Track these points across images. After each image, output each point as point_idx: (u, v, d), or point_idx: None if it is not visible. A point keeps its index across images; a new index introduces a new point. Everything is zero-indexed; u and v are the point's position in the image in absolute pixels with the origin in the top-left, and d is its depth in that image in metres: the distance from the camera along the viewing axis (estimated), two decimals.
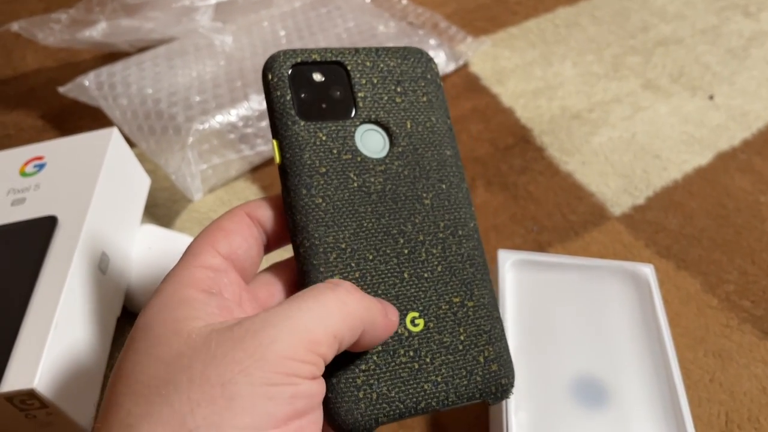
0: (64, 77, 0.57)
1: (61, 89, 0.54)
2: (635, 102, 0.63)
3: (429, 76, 0.30)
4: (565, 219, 0.52)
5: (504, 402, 0.36)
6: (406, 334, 0.25)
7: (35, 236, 0.39)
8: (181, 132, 0.49)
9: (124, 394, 0.20)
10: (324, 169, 0.26)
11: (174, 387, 0.20)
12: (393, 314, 0.25)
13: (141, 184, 0.47)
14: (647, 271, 0.42)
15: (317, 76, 0.27)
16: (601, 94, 0.64)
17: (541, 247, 0.50)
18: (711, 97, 0.63)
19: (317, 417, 0.22)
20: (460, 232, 0.28)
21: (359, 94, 0.28)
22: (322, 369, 0.22)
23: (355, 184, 0.26)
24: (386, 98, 0.28)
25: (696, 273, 0.49)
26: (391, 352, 0.25)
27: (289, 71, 0.27)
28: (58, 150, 0.44)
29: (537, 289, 0.41)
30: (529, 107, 0.62)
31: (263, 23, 0.60)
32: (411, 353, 0.25)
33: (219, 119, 0.50)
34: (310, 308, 0.22)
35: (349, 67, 0.28)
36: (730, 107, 0.62)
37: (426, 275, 0.26)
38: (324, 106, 0.27)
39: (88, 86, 0.53)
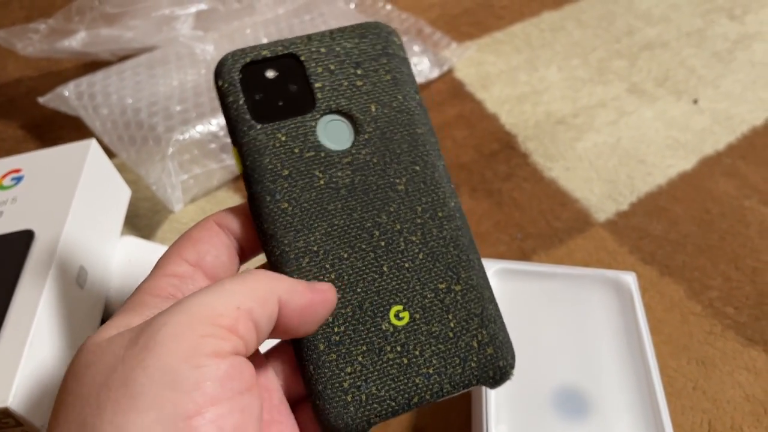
0: (45, 87, 0.56)
1: (41, 99, 0.54)
2: (620, 107, 0.63)
3: (391, 51, 0.28)
4: (549, 226, 0.52)
5: (485, 415, 0.35)
6: (391, 329, 0.25)
7: (11, 251, 0.38)
8: (161, 142, 0.48)
9: (54, 410, 0.21)
10: (287, 172, 0.25)
11: (86, 396, 0.19)
12: (323, 287, 0.24)
13: (121, 195, 0.47)
14: (629, 279, 0.42)
15: (270, 73, 0.26)
16: (586, 99, 0.63)
17: (525, 255, 0.50)
18: (696, 101, 0.63)
19: (245, 404, 0.21)
20: (439, 214, 0.26)
21: (316, 85, 0.26)
22: (236, 345, 0.21)
23: (322, 182, 0.25)
24: (346, 84, 0.27)
25: (680, 279, 0.48)
26: (377, 351, 0.24)
27: (239, 74, 0.26)
28: (36, 162, 0.44)
29: (519, 298, 0.41)
30: (513, 113, 0.62)
31: (246, 30, 0.60)
32: (398, 348, 0.24)
33: (200, 129, 0.50)
34: (206, 291, 0.21)
35: (302, 58, 0.26)
36: (715, 111, 0.62)
37: (407, 265, 0.25)
38: (281, 103, 0.26)
39: (68, 96, 0.52)
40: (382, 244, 0.25)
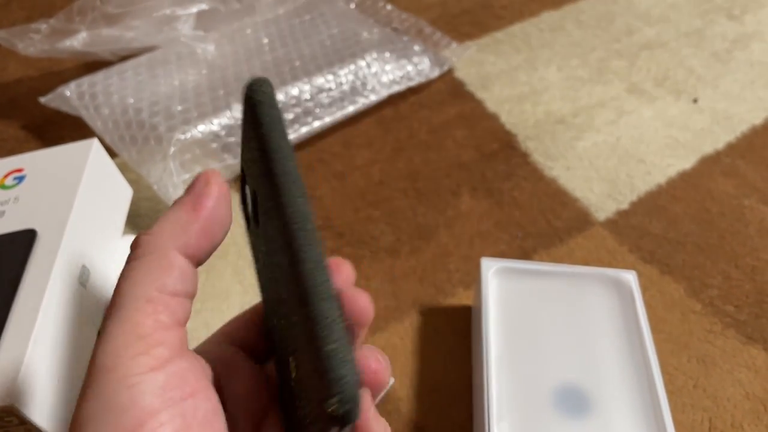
0: (46, 87, 0.56)
1: (43, 99, 0.54)
2: (620, 106, 0.63)
3: (257, 115, 0.23)
4: (549, 225, 0.52)
5: (486, 413, 0.36)
6: (291, 381, 0.23)
7: (13, 250, 0.38)
8: (163, 142, 0.49)
9: None
10: (257, 254, 0.27)
11: None
12: (204, 194, 0.23)
13: (123, 194, 0.47)
14: (630, 277, 0.42)
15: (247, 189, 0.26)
16: (586, 99, 0.64)
17: (525, 254, 0.50)
18: (695, 101, 0.64)
19: (187, 409, 0.20)
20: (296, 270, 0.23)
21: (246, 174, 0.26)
22: (171, 337, 0.21)
23: (260, 259, 0.26)
24: (251, 167, 0.25)
25: (680, 278, 0.49)
26: (288, 404, 0.24)
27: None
28: (38, 162, 0.44)
29: (520, 297, 0.41)
30: (513, 112, 0.62)
31: (246, 31, 0.60)
32: (296, 401, 0.23)
33: (201, 128, 0.50)
34: (118, 306, 0.22)
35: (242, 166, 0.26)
36: (714, 110, 0.63)
37: (293, 321, 0.23)
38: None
39: (70, 96, 0.53)
40: (284, 310, 0.24)
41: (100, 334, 0.21)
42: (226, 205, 0.24)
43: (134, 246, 0.23)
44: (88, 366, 0.21)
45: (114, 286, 0.42)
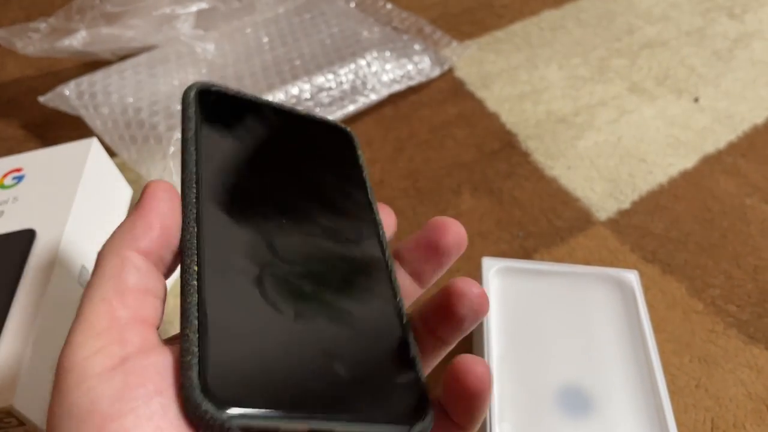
0: (45, 86, 0.56)
1: (42, 99, 0.54)
2: (621, 105, 0.63)
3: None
4: (550, 224, 0.52)
5: (488, 413, 0.35)
6: None
7: (12, 250, 0.38)
8: (162, 141, 0.48)
9: None
10: None
11: None
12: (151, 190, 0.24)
13: (122, 194, 0.47)
14: (632, 277, 0.42)
15: None
16: (587, 98, 0.63)
17: (526, 253, 0.50)
18: (696, 100, 0.63)
19: (155, 409, 0.19)
20: None
21: None
22: (129, 339, 0.20)
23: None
24: None
25: (682, 277, 0.48)
26: None
27: None
28: (37, 161, 0.44)
29: (521, 297, 0.41)
30: (514, 111, 0.62)
31: (246, 30, 0.60)
32: None
33: None
34: (81, 309, 0.21)
35: None
36: (716, 110, 0.62)
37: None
38: None
39: (69, 95, 0.52)
40: None
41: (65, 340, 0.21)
42: (173, 201, 0.24)
43: (96, 261, 0.22)
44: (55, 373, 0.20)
45: None
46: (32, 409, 0.33)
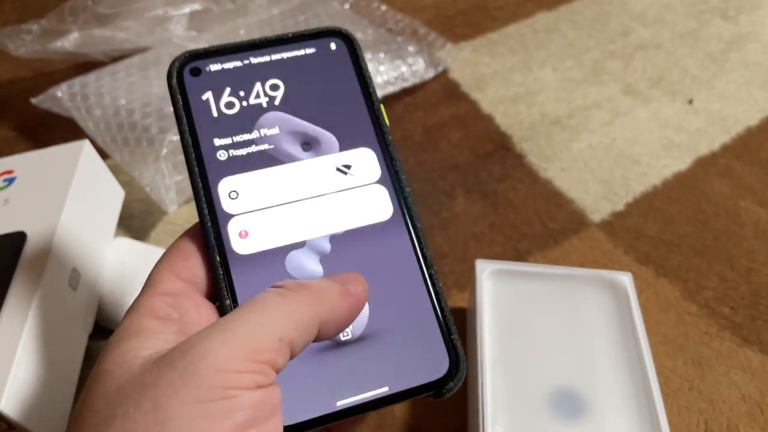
0: (38, 88, 0.56)
1: (34, 100, 0.54)
2: (615, 107, 0.63)
3: None
4: (544, 227, 0.52)
5: (481, 416, 0.35)
6: None
7: (3, 252, 0.38)
8: (155, 143, 0.48)
9: (71, 427, 0.20)
10: None
11: (112, 421, 0.19)
12: (356, 286, 0.23)
13: (114, 196, 0.47)
14: (625, 279, 0.42)
15: None
16: (581, 100, 0.63)
17: (520, 256, 0.50)
18: (690, 102, 0.63)
19: (271, 427, 0.21)
20: None
21: None
22: (272, 376, 0.21)
23: None
24: None
25: (675, 279, 0.48)
26: None
27: None
28: (29, 163, 0.44)
29: (515, 299, 0.41)
30: (508, 113, 0.62)
31: (240, 31, 0.59)
32: None
33: None
34: (249, 317, 0.21)
35: None
36: (710, 111, 0.62)
37: None
38: None
39: (61, 97, 0.52)
40: None
41: (141, 310, 0.22)
42: (363, 308, 0.24)
43: (289, 287, 0.22)
44: (173, 358, 0.20)
45: (103, 289, 0.41)
46: (22, 412, 0.33)
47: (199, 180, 0.25)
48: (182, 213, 0.51)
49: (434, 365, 0.24)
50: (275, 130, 0.26)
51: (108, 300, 0.43)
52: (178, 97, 0.26)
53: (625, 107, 0.63)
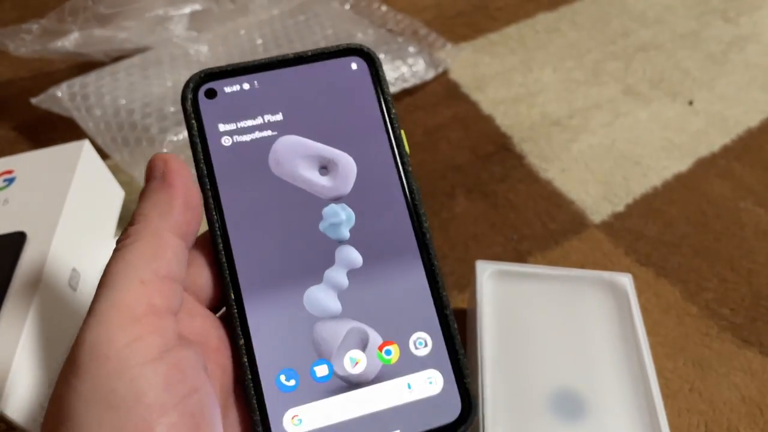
0: (38, 87, 0.56)
1: (34, 100, 0.54)
2: (615, 108, 0.63)
3: None
4: (544, 227, 0.52)
5: (481, 417, 0.35)
6: None
7: (2, 253, 0.38)
8: (155, 143, 0.48)
9: None
10: None
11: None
12: (156, 169, 0.23)
13: (114, 196, 0.47)
14: (625, 280, 0.41)
15: None
16: (582, 101, 0.63)
17: (520, 256, 0.50)
18: (691, 103, 0.63)
19: (195, 407, 0.19)
20: None
21: None
22: (165, 326, 0.19)
23: None
24: None
25: (676, 281, 0.48)
26: None
27: None
28: (28, 163, 0.44)
29: (515, 300, 0.41)
30: (509, 114, 0.62)
31: (240, 31, 0.59)
32: None
33: None
34: (108, 286, 0.20)
35: None
36: (710, 113, 0.62)
37: None
38: None
39: (61, 97, 0.52)
40: None
41: (89, 315, 0.19)
42: (190, 179, 0.23)
43: (124, 235, 0.21)
44: (74, 349, 0.18)
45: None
46: (22, 413, 0.33)
47: (214, 213, 0.24)
48: None
49: (447, 409, 0.24)
50: (289, 156, 0.25)
51: None
52: (193, 122, 0.25)
53: (625, 108, 0.63)
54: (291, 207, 0.25)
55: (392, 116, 0.27)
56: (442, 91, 0.64)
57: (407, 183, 0.26)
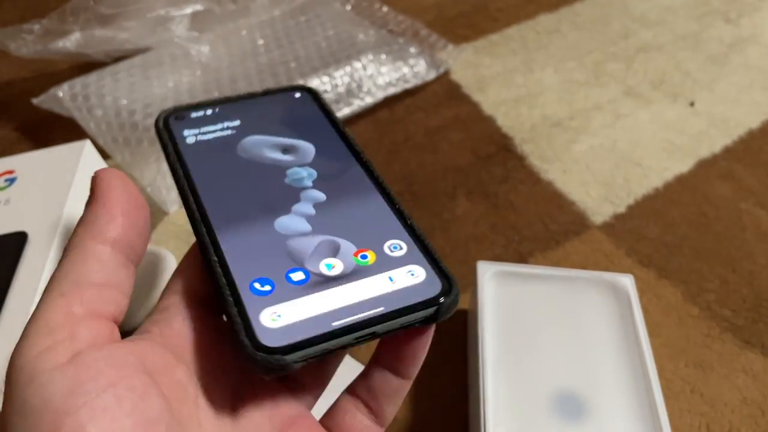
0: (39, 88, 0.56)
1: (35, 100, 0.54)
2: (616, 109, 0.63)
3: None
4: (545, 228, 0.52)
5: (482, 418, 0.35)
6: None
7: (4, 253, 0.38)
8: (156, 144, 0.48)
9: None
10: None
11: None
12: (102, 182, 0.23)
13: None
14: (627, 281, 0.41)
15: None
16: (582, 102, 0.63)
17: (521, 257, 0.50)
18: (692, 104, 0.63)
19: (109, 398, 0.19)
20: None
21: None
22: (81, 337, 0.19)
23: None
24: None
25: (677, 282, 0.48)
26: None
27: None
28: (29, 163, 0.44)
29: (516, 301, 0.41)
30: (510, 115, 0.62)
31: (241, 32, 0.59)
32: None
33: None
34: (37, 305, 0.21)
35: None
36: (711, 114, 0.62)
37: None
38: None
39: (62, 97, 0.52)
40: None
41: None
42: (128, 188, 0.23)
43: (61, 256, 0.22)
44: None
45: None
46: None
47: (189, 192, 0.26)
48: (183, 213, 0.51)
49: (427, 287, 0.24)
50: (255, 146, 0.29)
51: None
52: (165, 134, 0.29)
53: (626, 109, 0.63)
54: (258, 171, 0.27)
55: (335, 118, 0.31)
56: (443, 92, 0.64)
57: (358, 153, 0.29)
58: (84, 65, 0.61)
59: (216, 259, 0.24)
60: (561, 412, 0.36)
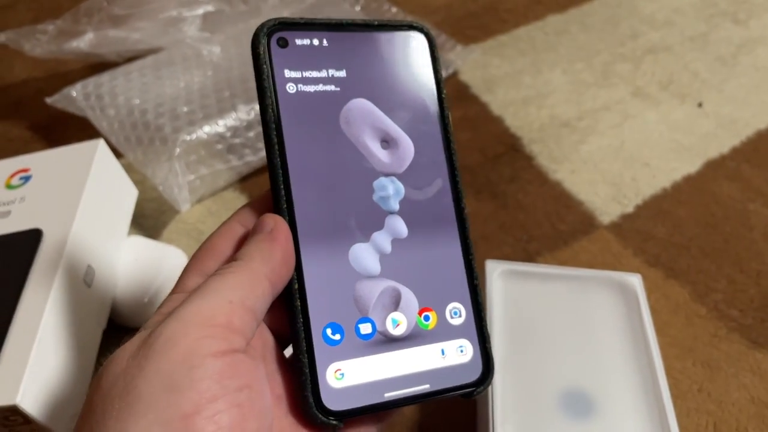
0: (52, 87, 0.56)
1: (49, 100, 0.54)
2: (624, 110, 0.63)
3: None
4: (554, 228, 0.52)
5: (491, 416, 0.35)
6: None
7: (20, 250, 0.39)
8: (168, 143, 0.49)
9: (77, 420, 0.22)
10: None
11: (95, 407, 0.21)
12: (267, 224, 0.25)
13: (128, 195, 0.47)
14: (635, 281, 0.42)
15: None
16: (591, 102, 0.64)
17: (530, 257, 0.50)
18: (700, 105, 0.64)
19: (243, 399, 0.21)
20: None
21: None
22: (235, 341, 0.22)
23: None
24: None
25: (685, 282, 0.48)
26: None
27: None
28: (44, 162, 0.44)
29: (525, 300, 0.41)
30: (518, 115, 0.62)
31: (252, 33, 0.60)
32: None
33: (206, 130, 0.50)
34: (196, 295, 0.22)
35: None
36: (719, 115, 0.63)
37: None
38: None
39: (75, 97, 0.53)
40: None
41: (170, 317, 0.21)
42: (291, 241, 0.25)
43: (227, 264, 0.24)
44: (148, 340, 0.21)
45: (117, 285, 0.42)
46: (37, 407, 0.33)
47: (277, 152, 0.25)
48: (194, 212, 0.52)
49: (470, 369, 0.26)
50: (359, 120, 0.27)
51: (121, 296, 0.43)
52: (264, 66, 0.25)
53: (634, 110, 0.63)
54: (349, 169, 0.26)
55: (444, 97, 0.29)
56: (452, 92, 0.64)
57: (452, 164, 0.29)
58: (97, 65, 0.62)
59: (297, 288, 0.24)
60: (569, 410, 0.36)
